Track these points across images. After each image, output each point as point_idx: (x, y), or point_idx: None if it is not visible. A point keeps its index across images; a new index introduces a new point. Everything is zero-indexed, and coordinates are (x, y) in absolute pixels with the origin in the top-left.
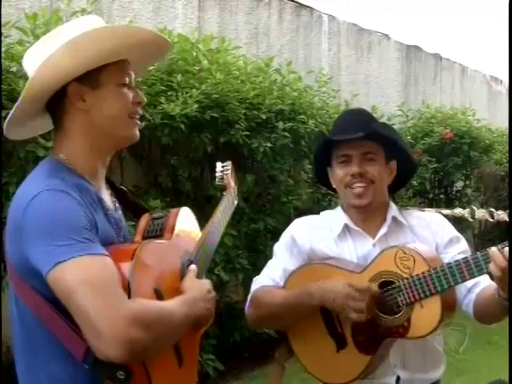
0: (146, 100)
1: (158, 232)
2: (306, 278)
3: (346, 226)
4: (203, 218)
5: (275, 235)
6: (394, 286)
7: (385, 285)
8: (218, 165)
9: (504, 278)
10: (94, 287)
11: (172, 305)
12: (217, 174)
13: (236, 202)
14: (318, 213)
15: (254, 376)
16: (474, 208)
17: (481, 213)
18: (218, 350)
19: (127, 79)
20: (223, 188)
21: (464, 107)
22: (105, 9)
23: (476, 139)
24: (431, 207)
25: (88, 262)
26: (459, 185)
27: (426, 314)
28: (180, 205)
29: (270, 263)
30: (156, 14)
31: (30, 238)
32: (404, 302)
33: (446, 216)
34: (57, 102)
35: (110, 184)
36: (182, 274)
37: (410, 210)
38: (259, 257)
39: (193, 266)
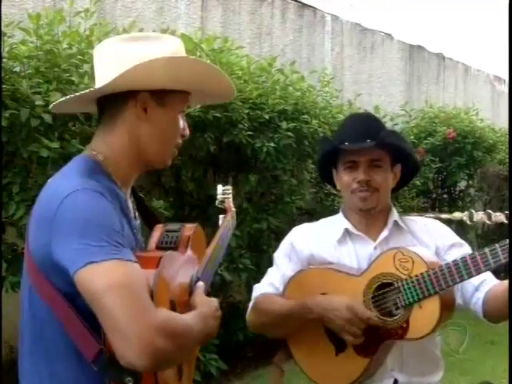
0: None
1: (172, 244)
2: (305, 282)
3: (347, 231)
4: (205, 218)
5: (278, 235)
6: (392, 287)
7: (383, 286)
8: (219, 187)
9: None
10: (125, 293)
11: (190, 318)
12: (218, 197)
13: (235, 225)
14: (320, 212)
15: (257, 376)
16: (473, 211)
17: (479, 215)
18: (221, 350)
19: (185, 109)
20: (223, 211)
21: (467, 107)
22: (108, 9)
23: (479, 139)
24: (434, 207)
25: (119, 266)
26: (462, 185)
27: (425, 314)
28: (183, 204)
29: (269, 270)
30: (159, 14)
31: (62, 233)
32: (403, 303)
33: (445, 220)
34: (118, 100)
35: (132, 191)
36: (191, 289)
37: (409, 216)
38: (262, 257)
39: (201, 283)
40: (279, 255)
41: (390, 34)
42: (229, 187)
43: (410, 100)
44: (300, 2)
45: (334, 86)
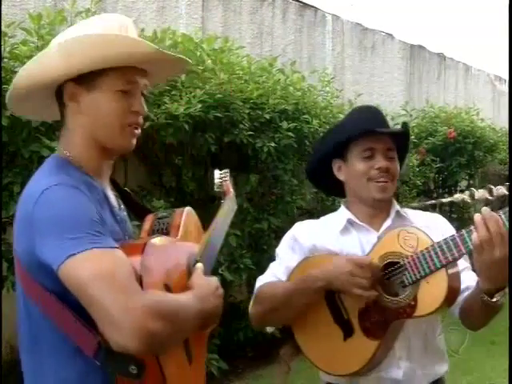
0: (146, 110)
1: (164, 230)
2: (308, 268)
3: (350, 222)
4: (207, 218)
5: (279, 235)
6: (398, 266)
7: (390, 266)
8: (216, 172)
9: (482, 253)
10: (110, 280)
11: (185, 298)
12: (215, 181)
13: (235, 208)
14: (321, 212)
15: (258, 376)
16: (473, 189)
17: (480, 192)
18: (222, 350)
19: (128, 86)
20: (223, 194)
21: (468, 107)
22: (109, 9)
23: (480, 139)
24: (435, 207)
25: (101, 254)
26: (463, 184)
27: (433, 288)
28: (184, 205)
29: (272, 264)
30: (160, 14)
31: (41, 231)
32: (410, 280)
33: (447, 204)
34: (59, 98)
35: (115, 185)
36: (189, 272)
37: (408, 208)
38: (263, 256)
39: (199, 264)
40: (282, 248)
41: (390, 34)
42: (226, 170)
43: (411, 100)
44: (301, 2)
45: (335, 85)
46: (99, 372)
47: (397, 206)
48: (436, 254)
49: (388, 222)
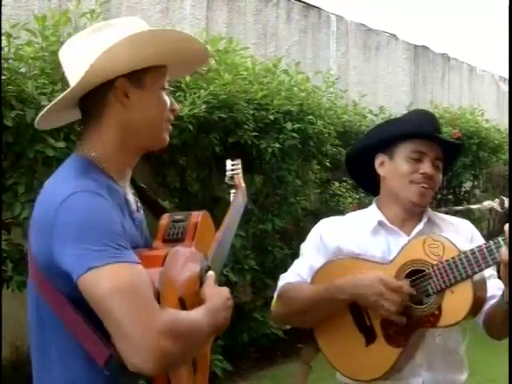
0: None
1: (179, 235)
2: (333, 272)
3: (380, 223)
4: (211, 218)
5: (283, 236)
6: (423, 274)
7: (414, 273)
8: (228, 163)
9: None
10: (128, 297)
11: (198, 315)
12: (227, 173)
13: (246, 201)
14: (325, 213)
15: (262, 376)
16: (504, 198)
17: (496, 202)
18: (226, 351)
19: (166, 84)
20: (233, 187)
21: (472, 107)
22: (113, 10)
23: (485, 139)
24: (439, 208)
25: (122, 269)
26: (468, 185)
27: (458, 299)
28: (188, 205)
29: (296, 261)
30: (164, 15)
31: (62, 238)
32: (434, 289)
33: (469, 211)
34: (98, 96)
35: (132, 181)
36: (201, 280)
37: (440, 214)
38: (267, 257)
39: (211, 273)
40: (307, 246)
41: (394, 35)
42: (238, 161)
43: (415, 100)
44: (305, 3)
45: (339, 86)
46: (108, 381)
47: (430, 213)
48: (462, 264)
49: (420, 227)
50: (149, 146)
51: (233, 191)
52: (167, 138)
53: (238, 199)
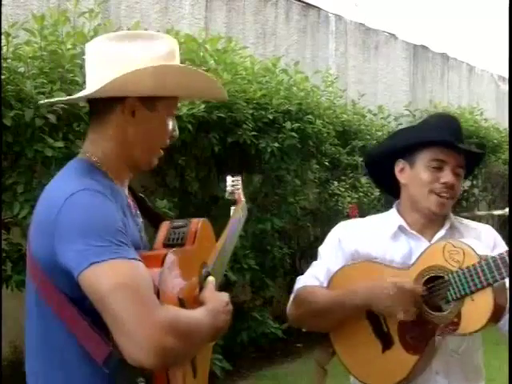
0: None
1: (179, 241)
2: (350, 276)
3: (401, 228)
4: (210, 218)
5: (282, 235)
6: (442, 280)
7: (433, 280)
8: (229, 179)
9: None
10: (130, 292)
11: (199, 314)
12: (227, 189)
13: (246, 215)
14: (324, 213)
15: (262, 376)
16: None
17: None
18: (226, 350)
19: (175, 112)
20: (233, 202)
21: (471, 107)
22: (112, 9)
23: (484, 139)
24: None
25: (124, 265)
26: (466, 185)
27: (478, 307)
28: (187, 205)
29: (314, 263)
30: (163, 15)
31: (64, 236)
32: (454, 296)
33: (490, 216)
34: (107, 103)
35: (130, 190)
36: (201, 285)
37: (462, 219)
38: (266, 257)
39: (211, 278)
40: (325, 249)
41: (394, 34)
42: (238, 178)
43: (415, 100)
44: (304, 2)
45: (338, 86)
46: (106, 380)
47: (452, 219)
48: (483, 271)
49: (441, 233)
50: (137, 163)
51: (233, 207)
52: (155, 163)
53: (238, 213)
